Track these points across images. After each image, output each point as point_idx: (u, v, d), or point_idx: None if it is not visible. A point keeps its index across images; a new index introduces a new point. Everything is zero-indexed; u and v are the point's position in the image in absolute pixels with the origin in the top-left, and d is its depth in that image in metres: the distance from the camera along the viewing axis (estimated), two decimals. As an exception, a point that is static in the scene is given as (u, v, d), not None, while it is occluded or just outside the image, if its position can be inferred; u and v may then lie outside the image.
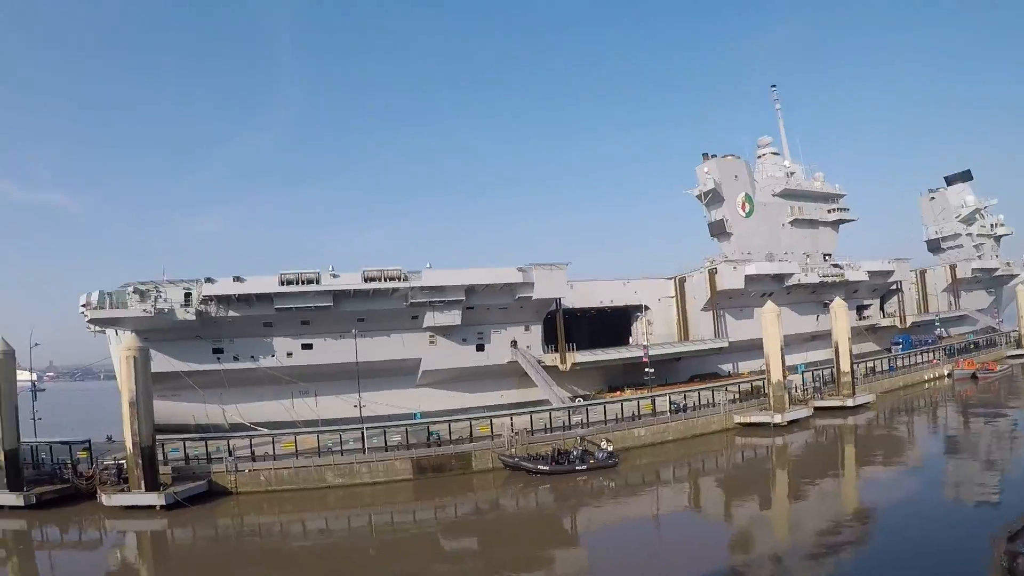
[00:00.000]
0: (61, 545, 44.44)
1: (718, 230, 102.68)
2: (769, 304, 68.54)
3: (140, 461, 48.02)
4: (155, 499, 46.79)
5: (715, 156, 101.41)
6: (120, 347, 50.70)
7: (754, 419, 64.20)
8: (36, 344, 65.97)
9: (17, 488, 49.20)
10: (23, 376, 57.43)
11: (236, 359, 72.17)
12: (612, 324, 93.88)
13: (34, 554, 43.34)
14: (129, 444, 48.50)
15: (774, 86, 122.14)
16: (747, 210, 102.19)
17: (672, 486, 51.55)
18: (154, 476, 48.59)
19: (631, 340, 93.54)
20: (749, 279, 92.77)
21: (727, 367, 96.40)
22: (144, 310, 66.68)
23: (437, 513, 47.33)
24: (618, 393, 78.76)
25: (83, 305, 73.30)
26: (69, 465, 53.66)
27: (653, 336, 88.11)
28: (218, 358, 71.53)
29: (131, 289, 68.53)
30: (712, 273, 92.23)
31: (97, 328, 75.97)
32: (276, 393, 73.33)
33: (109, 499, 47.71)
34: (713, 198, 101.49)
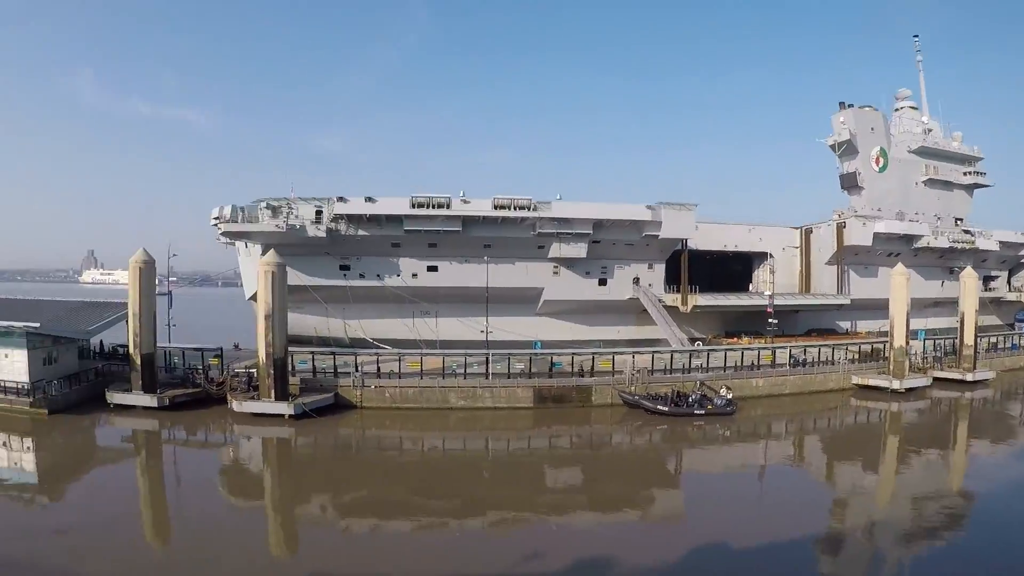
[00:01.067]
0: (192, 444, 47.82)
1: (849, 183, 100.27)
2: (900, 266, 67.23)
3: (272, 371, 50.72)
4: (285, 408, 49.66)
5: (852, 106, 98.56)
6: (260, 262, 52.98)
7: (872, 382, 63.69)
8: (174, 255, 69.20)
9: (152, 390, 52.48)
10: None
11: (362, 276, 74.51)
12: (732, 269, 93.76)
13: (162, 451, 46.71)
14: (262, 354, 51.11)
15: (916, 36, 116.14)
16: (881, 164, 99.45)
17: (783, 441, 51.97)
18: (284, 386, 51.25)
19: (750, 287, 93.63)
20: (877, 237, 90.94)
21: (845, 324, 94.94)
22: (276, 225, 69.28)
23: (552, 442, 48.94)
24: (735, 340, 79.13)
25: (215, 218, 76.64)
26: (201, 371, 57.03)
27: (773, 286, 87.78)
28: (344, 275, 73.95)
29: (263, 204, 71.28)
30: (840, 227, 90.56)
31: (227, 240, 79.69)
32: (398, 312, 75.60)
33: (240, 405, 50.58)
34: (847, 149, 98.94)
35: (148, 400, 51.53)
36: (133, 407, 51.49)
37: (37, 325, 50.30)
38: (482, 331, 66.65)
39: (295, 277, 66.94)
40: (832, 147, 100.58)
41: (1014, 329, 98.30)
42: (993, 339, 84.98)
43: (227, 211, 73.48)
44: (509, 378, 56.24)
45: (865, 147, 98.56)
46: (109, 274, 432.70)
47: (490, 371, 56.43)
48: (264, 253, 72.03)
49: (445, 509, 33.41)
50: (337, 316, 74.08)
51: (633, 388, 55.31)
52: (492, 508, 33.70)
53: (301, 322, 71.41)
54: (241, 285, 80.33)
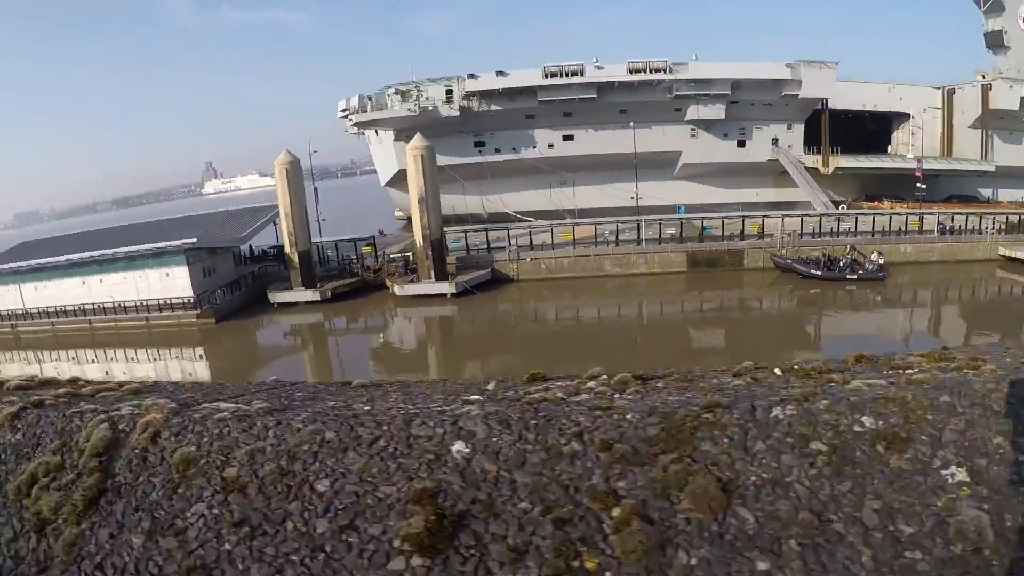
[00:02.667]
0: (360, 330, 50.91)
1: (995, 41, 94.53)
2: None
3: (430, 252, 52.92)
4: (446, 287, 51.95)
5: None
6: (408, 147, 54.62)
7: (1020, 255, 62.81)
8: (315, 151, 70.19)
9: (311, 285, 54.92)
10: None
11: (498, 151, 76.43)
12: (869, 130, 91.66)
13: (331, 341, 49.98)
14: (419, 237, 53.39)
15: None
16: None
17: (931, 310, 52.21)
18: (443, 266, 53.45)
19: (889, 149, 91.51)
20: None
21: (987, 192, 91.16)
22: (408, 109, 71.21)
23: (704, 306, 50.66)
24: (876, 203, 78.33)
25: (343, 110, 78.90)
26: (356, 260, 59.48)
27: (913, 149, 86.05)
28: (480, 151, 75.89)
29: (391, 90, 73.34)
30: (986, 89, 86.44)
31: (356, 131, 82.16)
32: (534, 183, 77.37)
33: (402, 289, 52.91)
34: (993, 5, 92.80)
35: (310, 295, 54.10)
36: (296, 303, 54.26)
37: (194, 240, 52.86)
38: (632, 197, 67.33)
39: None
40: (977, 2, 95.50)
41: None
42: None
43: (354, 101, 76.02)
44: (661, 243, 57.63)
45: (1012, 3, 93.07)
46: (229, 182, 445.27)
47: (642, 237, 57.74)
48: (397, 138, 74.55)
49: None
50: (474, 193, 75.74)
51: (784, 251, 56.00)
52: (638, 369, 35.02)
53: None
54: (373, 172, 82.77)
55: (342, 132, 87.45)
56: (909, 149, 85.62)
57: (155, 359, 47.36)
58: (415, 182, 52.85)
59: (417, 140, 53.30)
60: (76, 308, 54.02)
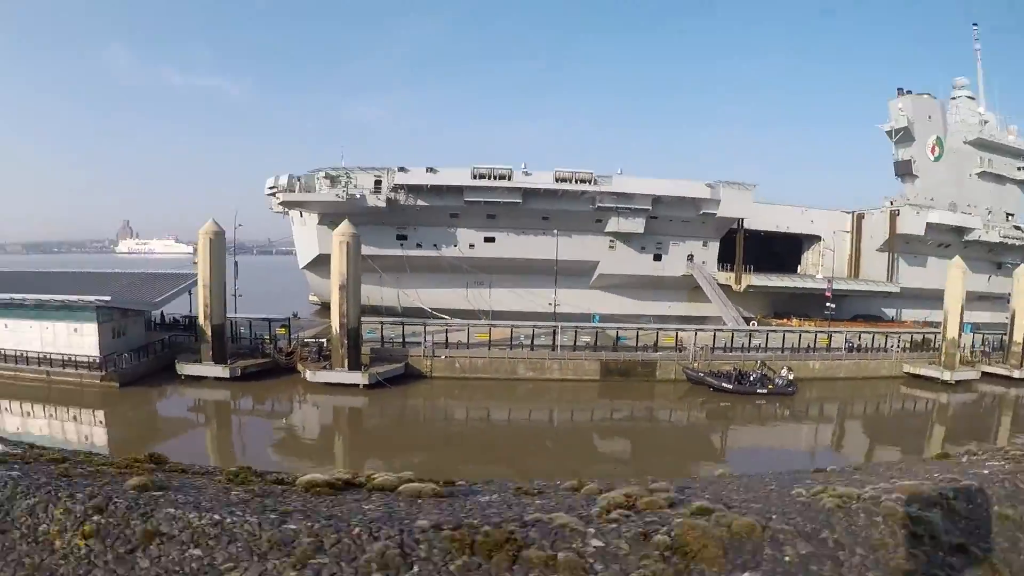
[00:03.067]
0: (265, 413, 49.33)
1: (904, 170, 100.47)
2: (957, 259, 67.66)
3: (346, 341, 52.31)
4: (359, 377, 51.21)
5: (910, 92, 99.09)
6: (335, 234, 54.18)
7: (924, 372, 64.47)
8: (240, 225, 69.46)
9: (222, 360, 53.52)
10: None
11: (419, 246, 76.89)
12: (780, 250, 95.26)
13: (235, 421, 48.66)
14: (336, 324, 52.75)
15: (976, 25, 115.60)
16: (936, 154, 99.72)
17: (838, 424, 53.44)
18: (358, 356, 52.90)
19: (799, 269, 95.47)
20: (930, 227, 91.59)
21: (891, 312, 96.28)
22: (336, 195, 71.70)
23: (614, 415, 50.98)
24: (785, 321, 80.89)
25: (271, 187, 79.06)
26: (269, 341, 58.54)
27: (822, 269, 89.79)
28: (401, 244, 76.20)
29: (322, 174, 73.86)
30: (893, 215, 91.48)
31: (281, 209, 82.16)
32: (451, 282, 77.79)
33: (314, 375, 52.03)
34: (903, 136, 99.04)
35: (219, 371, 52.63)
36: (204, 378, 52.71)
37: (108, 298, 51.35)
38: (549, 303, 68.45)
39: None
40: (889, 133, 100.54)
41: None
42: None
43: (283, 180, 76.16)
44: (575, 350, 58.29)
45: (921, 135, 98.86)
46: (145, 243, 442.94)
47: (558, 343, 58.48)
48: (321, 222, 74.70)
49: (498, 475, 34.75)
50: (392, 285, 75.84)
51: (696, 364, 57.10)
52: (540, 476, 34.69)
53: None
54: (290, 252, 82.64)
55: (263, 209, 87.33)
56: (819, 269, 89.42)
57: (51, 417, 45.33)
58: (338, 269, 52.54)
59: (344, 227, 53.31)
60: None
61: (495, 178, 72.44)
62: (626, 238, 79.73)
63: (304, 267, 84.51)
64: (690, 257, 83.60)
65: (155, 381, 52.42)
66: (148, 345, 55.90)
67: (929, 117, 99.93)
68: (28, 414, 45.70)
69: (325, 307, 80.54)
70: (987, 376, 67.28)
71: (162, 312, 62.48)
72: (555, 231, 72.59)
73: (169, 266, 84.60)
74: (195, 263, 62.29)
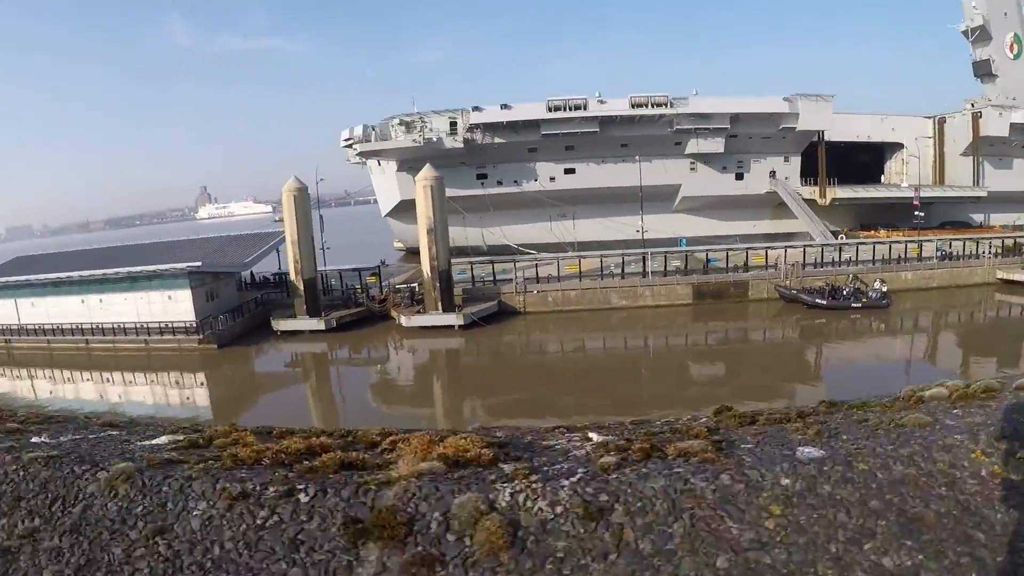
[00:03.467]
0: (365, 361, 50.47)
1: (983, 70, 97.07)
2: None
3: (438, 284, 53.17)
4: (453, 319, 52.10)
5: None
6: (418, 178, 54.97)
7: (1018, 277, 63.68)
8: (321, 179, 69.53)
9: (316, 313, 54.52)
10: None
11: (500, 183, 77.85)
12: (862, 160, 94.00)
13: (335, 373, 49.43)
14: (427, 268, 53.58)
15: None
16: (1015, 51, 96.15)
17: (934, 335, 53.35)
18: (450, 298, 53.70)
19: (882, 179, 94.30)
20: (1014, 127, 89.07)
21: (979, 217, 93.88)
22: (413, 140, 72.72)
23: (709, 338, 51.48)
24: (872, 232, 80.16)
25: (346, 139, 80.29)
26: (361, 290, 59.52)
27: (907, 177, 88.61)
28: (482, 183, 77.22)
29: (396, 121, 74.84)
30: (976, 117, 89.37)
31: (358, 160, 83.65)
32: (534, 216, 78.60)
33: (408, 320, 52.86)
34: (980, 35, 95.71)
35: (315, 324, 53.66)
36: (300, 332, 53.79)
37: (199, 264, 52.85)
38: (636, 230, 69.06)
39: None
40: (964, 33, 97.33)
41: None
42: None
43: (358, 131, 77.45)
44: (666, 276, 58.70)
45: (999, 32, 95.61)
46: (224, 207, 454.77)
47: (648, 269, 58.90)
48: (400, 169, 75.74)
49: (596, 406, 34.98)
50: (476, 225, 76.75)
51: (789, 282, 57.25)
52: (635, 405, 34.80)
53: None
54: (367, 202, 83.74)
55: (338, 162, 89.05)
56: (903, 178, 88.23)
57: (152, 383, 46.90)
58: (424, 213, 53.33)
59: (427, 171, 53.86)
60: (74, 327, 54.02)
61: (570, 109, 72.50)
62: (707, 159, 79.57)
63: (387, 215, 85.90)
64: (772, 173, 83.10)
65: (252, 340, 53.77)
66: (242, 305, 57.23)
67: (1005, 14, 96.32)
68: (130, 383, 47.60)
69: (411, 253, 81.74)
70: (1086, 276, 65.60)
71: (252, 272, 63.68)
72: (636, 157, 72.60)
73: (250, 227, 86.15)
74: (276, 220, 63.03)
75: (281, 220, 60.48)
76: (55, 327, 54.67)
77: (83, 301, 54.04)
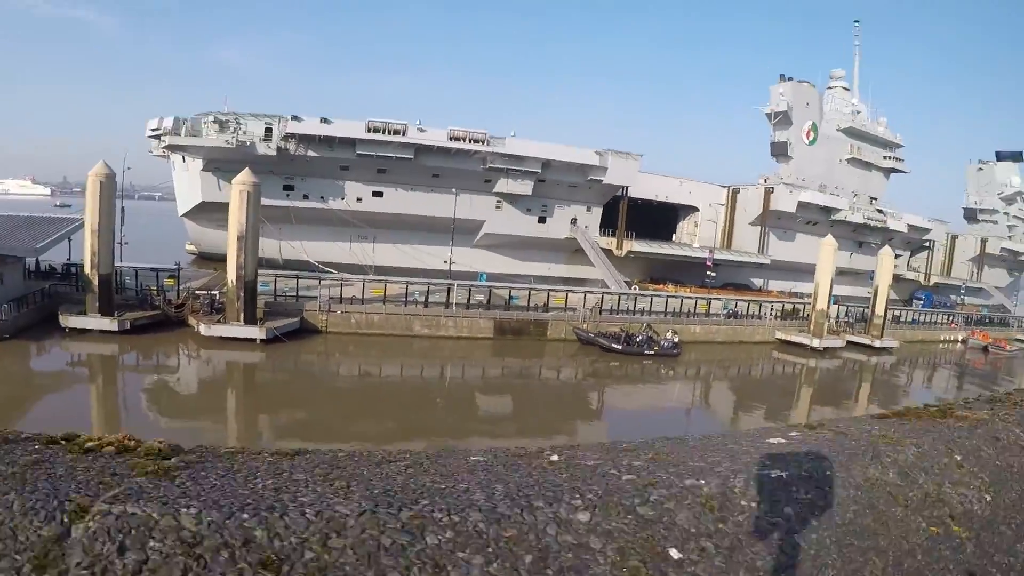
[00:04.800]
0: (156, 369, 46.74)
1: (780, 151, 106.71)
2: (829, 237, 72.62)
3: (242, 294, 50.75)
4: (256, 332, 49.81)
5: (791, 79, 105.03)
6: (235, 182, 52.52)
7: (794, 338, 69.29)
8: (128, 168, 66.01)
9: (109, 312, 50.34)
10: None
11: (306, 198, 76.59)
12: (656, 218, 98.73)
13: (124, 377, 45.91)
14: (232, 277, 51.27)
15: (857, 22, 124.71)
16: (811, 138, 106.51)
17: (713, 384, 57.55)
18: (254, 310, 51.58)
19: (675, 237, 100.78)
20: (801, 205, 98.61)
21: (759, 282, 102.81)
22: (226, 140, 70.62)
23: (505, 372, 52.53)
24: (662, 286, 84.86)
25: (153, 129, 76.87)
26: (157, 292, 56.02)
27: (698, 239, 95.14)
28: (288, 195, 75.60)
29: (210, 118, 72.25)
30: (768, 192, 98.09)
31: (162, 153, 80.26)
32: (336, 235, 78.17)
33: (208, 329, 50.02)
34: (782, 120, 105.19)
35: (107, 324, 49.63)
36: (89, 331, 49.55)
37: None
38: (444, 260, 71.15)
39: None
40: (768, 115, 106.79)
41: (910, 305, 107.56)
42: (896, 312, 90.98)
43: (168, 123, 74.16)
44: (469, 309, 59.45)
45: (799, 120, 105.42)
46: None
47: (452, 301, 59.39)
48: (205, 168, 73.13)
49: (379, 432, 35.73)
50: (273, 236, 74.74)
51: (586, 325, 59.32)
52: (422, 434, 35.46)
53: (221, 239, 72.02)
54: (151, 198, 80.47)
55: (124, 152, 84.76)
56: (694, 239, 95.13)
57: None
58: (236, 219, 51.20)
59: (245, 175, 52.01)
60: None
61: (389, 132, 72.67)
62: (513, 199, 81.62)
63: (184, 214, 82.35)
64: (574, 221, 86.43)
65: (36, 334, 49.23)
66: (27, 295, 52.12)
67: (807, 104, 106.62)
68: None
69: (203, 257, 79.82)
70: (851, 344, 72.79)
71: (36, 259, 58.24)
72: (454, 189, 73.89)
73: (27, 208, 79.96)
74: (57, 205, 58.59)
75: (64, 205, 56.41)
76: None
77: None
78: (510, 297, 62.17)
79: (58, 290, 55.91)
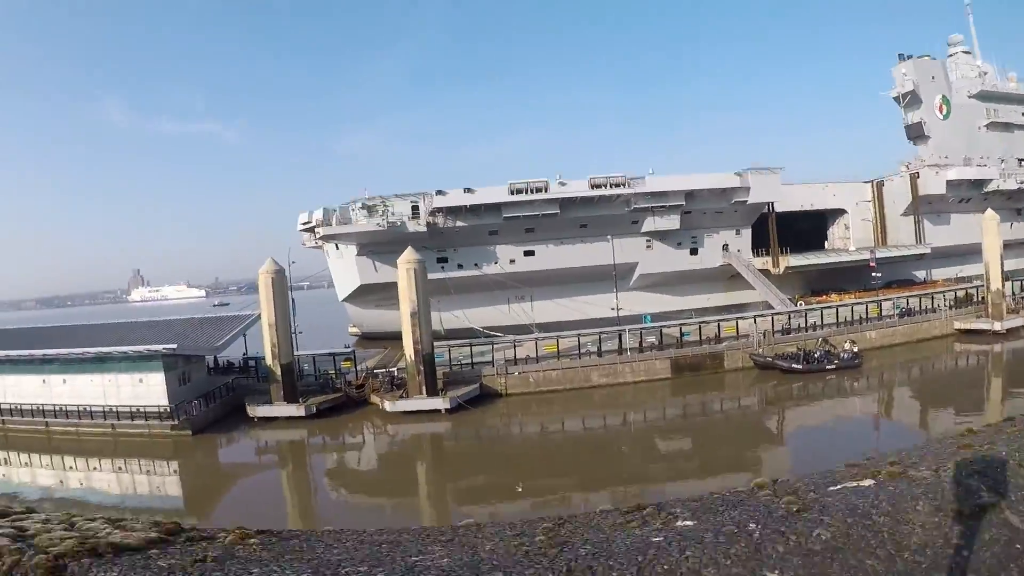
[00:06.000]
0: (347, 447, 49.13)
1: (916, 133, 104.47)
2: (990, 211, 71.13)
3: (422, 367, 53.11)
4: (439, 403, 51.48)
5: (911, 57, 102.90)
6: (400, 261, 55.38)
7: (974, 326, 68.08)
8: (293, 262, 68.45)
9: (294, 399, 53.56)
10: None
11: (460, 267, 79.45)
12: (804, 227, 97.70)
13: (313, 459, 47.68)
14: (410, 352, 53.55)
15: None
16: (944, 112, 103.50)
17: (899, 388, 55.79)
18: (434, 382, 53.59)
19: (826, 245, 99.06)
20: (950, 184, 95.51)
21: (921, 274, 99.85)
22: (377, 224, 74.09)
23: (687, 410, 52.65)
24: (825, 297, 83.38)
25: (304, 222, 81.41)
26: (334, 374, 59.02)
27: (852, 241, 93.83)
28: (442, 267, 78.39)
29: (358, 205, 76.16)
30: (913, 177, 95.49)
31: (313, 244, 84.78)
32: (492, 299, 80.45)
33: (392, 405, 52.07)
34: (911, 100, 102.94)
35: (293, 410, 52.56)
36: (276, 418, 52.55)
37: (175, 346, 51.49)
38: (612, 308, 71.17)
39: (392, 274, 67.60)
40: (896, 99, 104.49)
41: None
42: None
43: (318, 214, 78.45)
44: (643, 352, 60.39)
45: (928, 96, 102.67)
46: (157, 291, 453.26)
47: (626, 346, 60.59)
48: (360, 253, 77.00)
49: (567, 486, 36.94)
50: (433, 308, 77.07)
51: (762, 350, 59.56)
52: (611, 484, 35.95)
53: (390, 317, 71.56)
54: (301, 287, 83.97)
55: (274, 247, 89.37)
56: (847, 243, 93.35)
57: (119, 470, 44.69)
58: (407, 296, 53.69)
59: (409, 254, 54.63)
60: (33, 407, 52.30)
61: (532, 191, 74.93)
62: (662, 236, 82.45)
63: (344, 299, 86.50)
64: (725, 247, 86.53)
65: (225, 426, 52.61)
66: (213, 390, 55.97)
67: (932, 78, 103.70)
68: (95, 468, 45.58)
69: (365, 337, 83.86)
70: (1032, 320, 69.54)
71: (215, 356, 62.24)
72: (609, 236, 75.77)
73: (189, 311, 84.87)
74: (215, 305, 62.22)
75: (222, 304, 59.87)
76: (12, 407, 53.29)
77: (44, 381, 52.84)
78: (682, 334, 62.78)
79: (240, 383, 59.87)
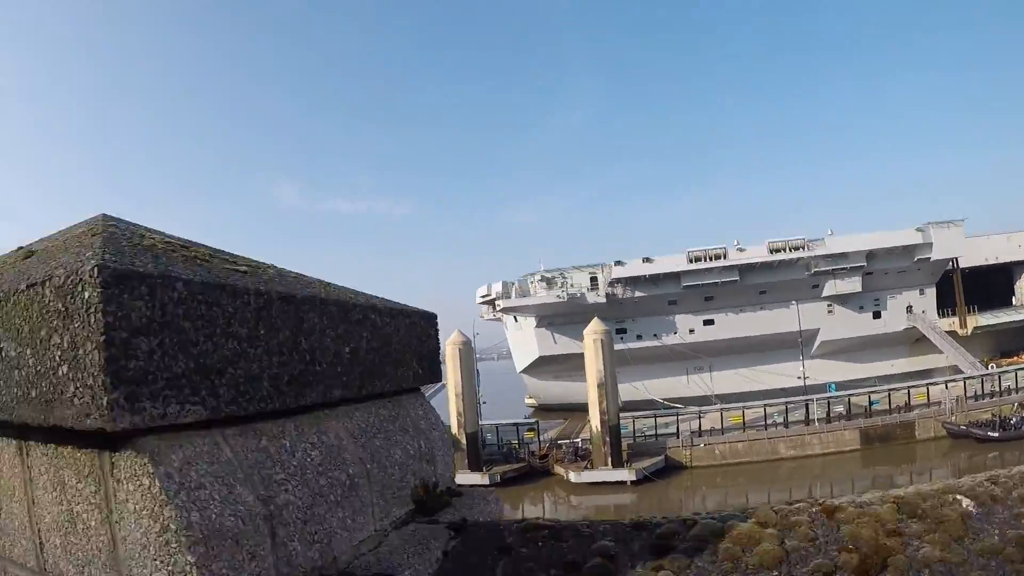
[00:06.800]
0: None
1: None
2: None
3: (607, 439, 54.10)
4: (624, 474, 52.61)
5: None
6: (587, 333, 57.27)
7: None
8: (477, 334, 70.68)
9: (478, 468, 55.54)
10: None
11: (639, 338, 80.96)
12: (987, 282, 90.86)
13: None
14: (596, 422, 54.88)
15: None
16: None
17: None
18: (619, 453, 54.46)
19: (1014, 301, 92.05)
20: None
21: None
22: (556, 296, 76.70)
23: (876, 483, 50.50)
24: (1016, 359, 79.36)
25: (483, 295, 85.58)
26: (516, 444, 60.99)
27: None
28: (621, 338, 78.09)
29: (537, 277, 79.44)
30: None
31: (491, 316, 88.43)
32: (671, 370, 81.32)
33: (578, 476, 53.69)
34: None
35: (478, 478, 53.14)
36: (461, 487, 55.71)
37: None
38: (799, 377, 70.55)
39: (572, 346, 70.83)
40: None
41: None
42: None
43: (497, 287, 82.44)
44: (830, 422, 60.19)
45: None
46: None
47: (814, 417, 60.52)
48: (539, 324, 80.00)
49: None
50: None
51: (955, 418, 57.90)
52: None
53: (572, 389, 75.02)
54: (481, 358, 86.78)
55: (450, 318, 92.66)
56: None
57: None
58: (594, 367, 55.13)
59: (596, 324, 56.47)
60: None
61: (710, 259, 76.44)
62: (844, 299, 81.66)
63: (522, 371, 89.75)
64: (909, 308, 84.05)
65: None
66: None
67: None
68: None
69: (543, 408, 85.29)
70: None
71: None
72: (794, 301, 75.34)
73: None
74: None
75: None
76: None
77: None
78: (870, 402, 62.15)
79: (423, 452, 62.95)
